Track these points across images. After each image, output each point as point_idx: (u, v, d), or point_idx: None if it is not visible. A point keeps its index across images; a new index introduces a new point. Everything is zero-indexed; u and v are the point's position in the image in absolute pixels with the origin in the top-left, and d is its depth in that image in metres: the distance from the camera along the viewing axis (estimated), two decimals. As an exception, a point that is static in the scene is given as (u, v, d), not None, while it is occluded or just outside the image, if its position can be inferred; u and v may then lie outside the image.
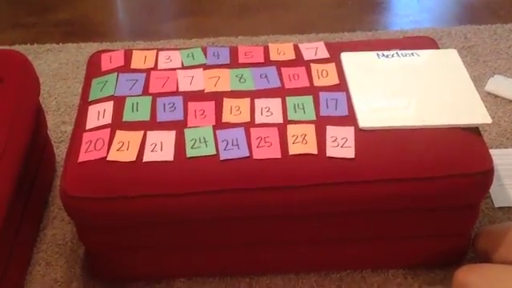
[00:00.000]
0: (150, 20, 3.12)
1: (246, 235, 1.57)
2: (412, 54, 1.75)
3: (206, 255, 1.63)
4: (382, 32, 2.88)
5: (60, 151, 2.17)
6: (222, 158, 1.46)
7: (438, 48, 1.84)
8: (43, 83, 2.50)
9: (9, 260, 1.57)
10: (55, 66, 2.66)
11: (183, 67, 1.75)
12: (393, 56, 1.75)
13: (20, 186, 1.60)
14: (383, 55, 1.75)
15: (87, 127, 1.56)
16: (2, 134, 1.54)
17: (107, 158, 1.45)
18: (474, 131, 1.53)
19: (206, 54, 1.80)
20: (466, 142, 1.50)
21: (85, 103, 1.66)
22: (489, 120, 1.54)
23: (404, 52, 1.76)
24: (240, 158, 1.45)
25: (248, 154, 1.46)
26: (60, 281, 1.72)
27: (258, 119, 1.55)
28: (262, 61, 1.77)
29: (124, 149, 1.48)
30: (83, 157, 1.47)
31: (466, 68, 1.73)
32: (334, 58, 1.75)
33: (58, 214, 1.92)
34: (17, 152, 1.58)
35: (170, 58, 1.79)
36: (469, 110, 1.56)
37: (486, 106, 1.58)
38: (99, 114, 1.59)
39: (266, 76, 1.70)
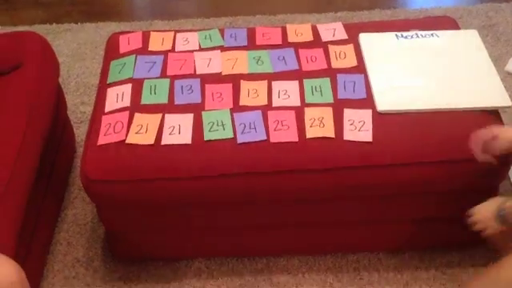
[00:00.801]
0: (167, -1, 3.12)
1: (263, 218, 1.58)
2: (432, 34, 1.73)
3: (223, 236, 1.65)
4: (402, 10, 2.83)
5: (80, 132, 2.20)
6: (239, 141, 1.47)
7: (459, 28, 1.81)
8: (62, 63, 2.52)
9: (31, 239, 1.61)
10: (74, 46, 2.67)
11: (200, 49, 1.75)
12: (412, 37, 1.72)
13: (41, 167, 1.63)
14: (402, 36, 1.73)
15: (106, 110, 1.57)
16: (22, 118, 1.56)
17: (126, 141, 1.47)
18: (493, 113, 1.51)
19: (223, 36, 1.80)
20: (486, 125, 1.48)
21: (103, 85, 1.67)
22: (509, 103, 1.52)
23: (423, 33, 1.73)
24: (257, 142, 1.46)
25: (265, 138, 1.46)
26: (81, 260, 1.76)
27: (276, 102, 1.55)
28: (280, 42, 1.76)
29: (142, 132, 1.49)
30: (102, 140, 1.49)
31: (487, 48, 1.70)
32: (353, 39, 1.73)
33: (79, 195, 1.95)
34: (37, 135, 1.60)
35: (188, 40, 1.79)
36: (489, 93, 1.54)
37: (505, 87, 1.57)
38: (118, 97, 1.60)
39: (283, 58, 1.70)
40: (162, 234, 1.64)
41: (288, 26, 1.84)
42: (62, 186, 1.94)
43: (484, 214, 1.33)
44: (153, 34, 1.81)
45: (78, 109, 2.31)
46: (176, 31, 1.83)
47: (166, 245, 1.67)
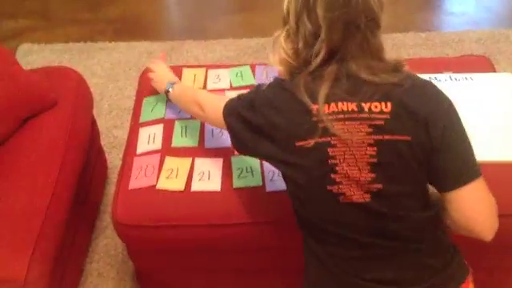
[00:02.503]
0: (200, 17, 3.14)
1: (290, 263, 1.59)
2: (465, 78, 1.71)
3: (249, 278, 1.67)
4: (437, 32, 2.80)
5: (112, 157, 2.24)
6: (268, 189, 1.48)
7: (494, 69, 1.79)
8: (96, 84, 2.59)
9: (64, 270, 1.65)
10: (107, 66, 2.72)
11: (232, 88, 1.76)
12: (445, 80, 1.70)
13: (76, 196, 1.67)
14: (435, 79, 1.71)
15: (138, 151, 1.60)
16: (58, 158, 1.60)
17: (157, 187, 1.49)
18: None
19: (254, 73, 1.81)
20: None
21: (136, 124, 1.70)
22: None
23: (457, 76, 1.71)
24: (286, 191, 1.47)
25: (294, 187, 1.47)
26: (111, 292, 1.80)
27: (306, 149, 1.56)
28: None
29: (173, 176, 1.52)
30: (134, 184, 1.51)
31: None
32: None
33: (110, 224, 1.99)
34: (72, 175, 1.65)
35: (219, 78, 1.81)
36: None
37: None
38: (149, 138, 1.62)
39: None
40: (190, 274, 1.66)
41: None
42: (93, 215, 1.98)
43: None
44: (185, 70, 1.83)
45: (111, 132, 2.35)
46: (207, 67, 1.85)
47: (196, 283, 1.70)
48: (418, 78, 1.18)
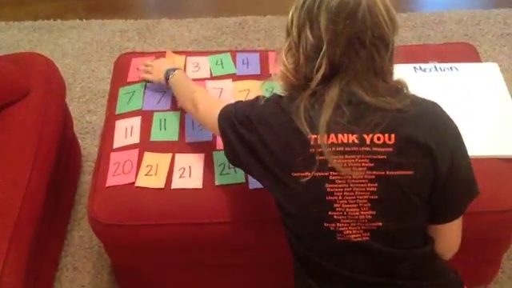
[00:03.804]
0: (176, -7, 3.03)
1: (270, 259, 1.57)
2: (451, 68, 1.68)
3: (225, 274, 1.64)
4: (417, 14, 2.75)
5: (86, 144, 2.17)
6: (251, 186, 1.43)
7: (479, 58, 1.76)
8: (67, 65, 2.49)
9: (40, 265, 1.59)
10: (79, 45, 2.62)
11: (212, 77, 1.70)
12: (430, 70, 1.67)
13: (51, 190, 1.60)
14: (420, 69, 1.68)
15: (115, 146, 1.53)
16: (32, 146, 1.54)
17: (136, 184, 1.44)
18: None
19: (235, 61, 1.74)
20: (504, 175, 1.45)
21: (112, 116, 1.63)
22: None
23: (443, 66, 1.68)
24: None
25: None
26: (87, 287, 1.75)
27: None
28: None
29: (152, 173, 1.46)
30: (111, 181, 1.45)
31: (506, 60, 1.63)
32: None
33: (85, 215, 1.91)
34: (46, 165, 1.58)
35: (199, 66, 1.74)
36: (508, 139, 1.50)
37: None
38: (127, 131, 1.56)
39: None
40: (169, 269, 1.62)
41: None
42: (68, 205, 1.92)
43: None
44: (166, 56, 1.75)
45: (84, 118, 2.27)
46: (187, 54, 1.78)
47: (172, 279, 1.66)
48: (423, 102, 1.11)
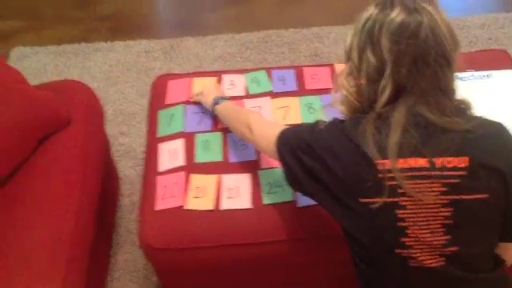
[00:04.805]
0: (196, 10, 3.05)
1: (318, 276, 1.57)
2: (487, 76, 1.68)
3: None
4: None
5: (121, 166, 2.18)
6: (299, 204, 1.44)
7: (512, 64, 1.76)
8: (96, 88, 2.45)
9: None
10: (106, 67, 2.63)
11: (249, 95, 1.71)
12: (469, 78, 1.67)
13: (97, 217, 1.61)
14: (458, 77, 1.67)
15: (160, 169, 1.54)
16: (78, 173, 1.55)
17: (185, 207, 1.45)
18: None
19: (271, 78, 1.75)
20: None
21: (153, 139, 1.64)
22: None
23: (479, 74, 1.68)
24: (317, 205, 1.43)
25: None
26: (136, 312, 1.76)
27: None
28: (331, 86, 1.70)
29: (201, 195, 1.47)
30: (161, 204, 1.46)
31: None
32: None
33: (128, 238, 1.94)
34: (93, 186, 1.60)
35: (234, 84, 1.75)
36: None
37: None
38: (170, 154, 1.57)
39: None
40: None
41: (336, 66, 1.79)
42: (110, 230, 1.93)
43: None
44: (196, 80, 1.76)
45: (117, 141, 2.28)
46: (220, 73, 1.79)
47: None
48: (489, 123, 1.10)
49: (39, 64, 2.67)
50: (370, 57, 1.06)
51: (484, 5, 2.88)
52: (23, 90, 1.53)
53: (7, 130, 1.45)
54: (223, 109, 1.54)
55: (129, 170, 2.17)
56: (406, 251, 1.05)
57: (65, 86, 1.74)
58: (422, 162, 1.03)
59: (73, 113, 1.64)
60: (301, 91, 1.71)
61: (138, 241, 1.87)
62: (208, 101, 1.59)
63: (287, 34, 2.73)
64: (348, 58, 1.13)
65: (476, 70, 1.69)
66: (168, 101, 1.72)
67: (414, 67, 1.03)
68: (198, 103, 1.67)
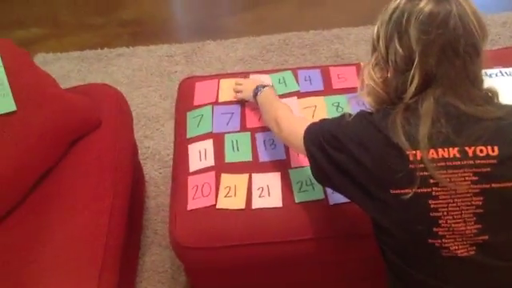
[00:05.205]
0: (216, 14, 3.07)
1: (350, 273, 1.57)
2: (515, 72, 1.67)
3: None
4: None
5: (147, 168, 2.19)
6: (331, 202, 1.44)
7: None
8: (120, 93, 2.52)
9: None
10: (128, 72, 2.66)
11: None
12: (496, 75, 1.67)
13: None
14: (486, 74, 1.65)
15: (191, 169, 1.55)
16: (110, 175, 1.56)
17: (217, 206, 1.45)
18: None
19: (297, 78, 1.76)
20: None
21: (183, 140, 1.65)
22: None
23: (507, 70, 1.68)
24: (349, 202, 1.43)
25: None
26: (166, 312, 1.77)
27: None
28: (357, 85, 1.70)
29: (231, 194, 1.48)
30: (192, 204, 1.47)
31: None
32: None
33: (155, 239, 1.95)
34: (125, 188, 1.61)
35: (261, 85, 1.75)
36: None
37: None
38: (201, 155, 1.58)
39: (363, 103, 1.65)
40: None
41: (362, 64, 1.79)
42: (138, 231, 1.94)
43: None
44: (222, 82, 1.78)
45: (142, 144, 2.30)
46: (246, 74, 1.80)
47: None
48: None
49: (63, 70, 2.71)
50: (398, 47, 1.06)
51: (504, 3, 2.87)
52: (56, 93, 1.55)
53: (41, 132, 1.47)
54: (262, 98, 1.54)
55: (154, 172, 2.19)
56: (438, 241, 1.05)
57: (94, 90, 1.76)
58: (453, 152, 1.03)
59: (103, 115, 1.66)
60: (327, 91, 1.71)
61: (164, 242, 1.92)
62: (249, 95, 1.61)
63: (308, 35, 2.75)
64: (374, 49, 1.13)
65: (503, 67, 1.69)
66: (196, 102, 1.73)
67: (443, 57, 1.03)
68: (228, 103, 1.68)
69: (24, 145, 1.45)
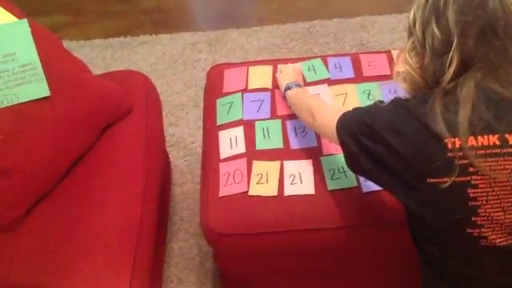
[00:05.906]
0: (238, 2, 3.07)
1: (382, 262, 1.56)
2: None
3: (339, 279, 1.64)
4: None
5: (172, 156, 2.20)
6: (364, 190, 1.43)
7: None
8: (144, 81, 2.52)
9: (152, 281, 1.62)
10: (152, 60, 2.66)
11: (306, 83, 1.71)
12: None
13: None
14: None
15: (222, 156, 1.55)
16: (141, 162, 1.56)
17: (249, 193, 1.45)
18: None
19: (327, 66, 1.75)
20: None
21: (213, 127, 1.65)
22: None
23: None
24: (383, 190, 1.42)
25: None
26: (194, 299, 1.77)
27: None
28: (388, 72, 1.70)
29: (263, 181, 1.47)
30: (224, 191, 1.47)
31: None
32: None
33: (181, 226, 1.96)
34: (155, 175, 1.62)
35: (291, 72, 1.75)
36: None
37: None
38: (231, 142, 1.58)
39: (395, 91, 1.64)
40: (279, 277, 1.63)
41: (393, 52, 1.78)
42: (165, 218, 1.95)
43: None
44: (251, 69, 1.77)
45: (167, 131, 2.29)
46: (276, 62, 1.80)
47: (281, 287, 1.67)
48: None
49: (86, 58, 2.70)
50: (435, 30, 1.04)
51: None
52: (88, 79, 1.55)
53: (74, 117, 1.47)
54: (292, 95, 1.54)
55: (179, 160, 2.19)
56: (477, 230, 1.04)
57: (124, 76, 1.76)
58: (493, 140, 1.00)
59: (133, 102, 1.66)
60: (358, 78, 1.70)
61: (191, 229, 1.93)
62: (282, 84, 1.60)
63: (331, 24, 2.73)
64: (411, 34, 1.11)
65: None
66: (226, 89, 1.73)
67: (482, 38, 1.01)
68: (258, 90, 1.68)
69: (57, 130, 1.45)
